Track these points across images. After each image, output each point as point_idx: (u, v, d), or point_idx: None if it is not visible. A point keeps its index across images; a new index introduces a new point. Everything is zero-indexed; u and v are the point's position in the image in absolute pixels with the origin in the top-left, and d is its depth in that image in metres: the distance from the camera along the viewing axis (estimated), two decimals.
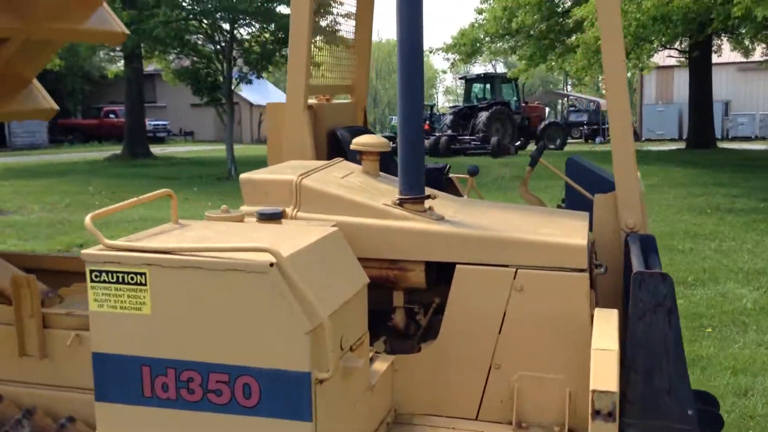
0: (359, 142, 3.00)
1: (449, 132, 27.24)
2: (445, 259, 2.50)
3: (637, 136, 39.74)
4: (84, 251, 1.99)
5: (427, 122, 33.79)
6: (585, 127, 40.09)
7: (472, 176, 3.78)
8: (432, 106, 43.58)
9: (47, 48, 4.11)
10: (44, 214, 12.79)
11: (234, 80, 18.82)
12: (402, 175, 2.59)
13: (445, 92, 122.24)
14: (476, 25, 26.51)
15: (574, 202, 3.34)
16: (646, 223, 2.81)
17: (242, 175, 2.76)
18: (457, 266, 2.47)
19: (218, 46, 18.62)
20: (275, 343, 1.86)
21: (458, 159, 23.98)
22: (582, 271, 2.35)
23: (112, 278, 1.95)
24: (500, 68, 63.58)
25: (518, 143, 27.75)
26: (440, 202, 2.68)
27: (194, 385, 1.93)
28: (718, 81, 28.71)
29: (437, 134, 26.84)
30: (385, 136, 28.41)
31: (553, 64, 27.54)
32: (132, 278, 1.94)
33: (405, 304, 2.67)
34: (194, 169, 21.51)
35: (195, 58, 18.77)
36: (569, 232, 2.49)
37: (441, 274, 2.62)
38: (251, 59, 19.35)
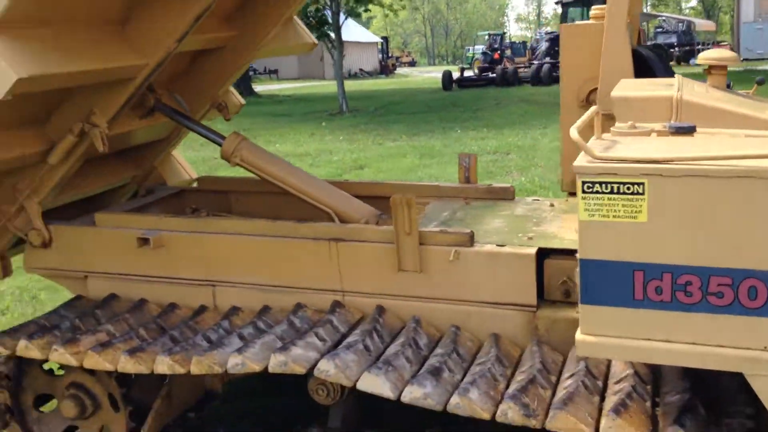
0: (708, 56, 3.01)
1: (548, 59, 26.65)
2: None
3: None
4: (576, 164, 2.09)
5: (498, 51, 33.13)
6: (676, 48, 38.59)
7: (760, 85, 3.73)
8: (502, 35, 42.66)
9: None
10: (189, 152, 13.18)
11: (342, 15, 18.79)
12: None
13: (516, 20, 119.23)
14: None
15: None
16: None
17: (614, 94, 2.81)
18: None
19: None
20: None
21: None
22: None
23: (606, 189, 2.06)
24: None
25: None
26: None
27: (692, 288, 2.04)
28: None
29: (536, 62, 26.34)
30: (461, 68, 27.71)
31: None
32: (628, 188, 2.04)
33: None
34: (302, 105, 21.83)
35: None
36: None
37: None
38: None
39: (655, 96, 2.75)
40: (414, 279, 2.98)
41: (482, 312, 2.93)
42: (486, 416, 2.40)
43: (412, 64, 72.46)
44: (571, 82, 3.66)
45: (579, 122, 2.23)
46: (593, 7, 3.75)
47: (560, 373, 2.68)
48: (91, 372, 3.27)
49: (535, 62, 26.36)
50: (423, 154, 11.94)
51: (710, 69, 3.02)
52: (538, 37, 56.79)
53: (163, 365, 2.77)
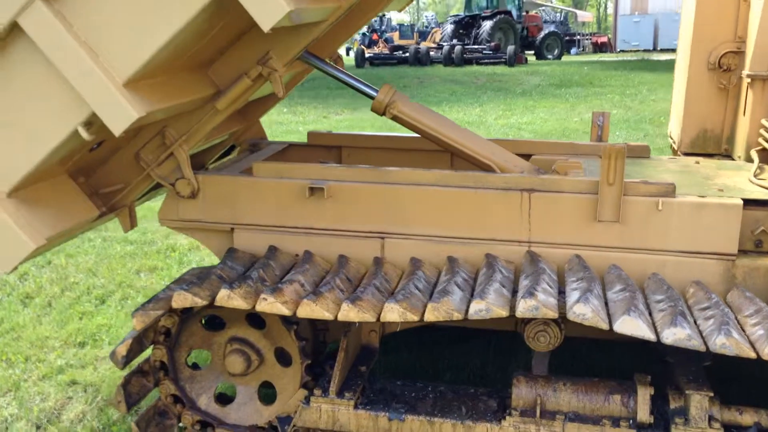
0: None
1: (455, 42, 27.13)
2: None
3: (611, 48, 40.17)
4: None
5: (376, 32, 33.36)
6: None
7: None
8: (382, 16, 42.93)
9: None
10: None
11: None
12: None
13: None
14: None
15: None
16: None
17: None
18: None
19: None
20: None
21: (472, 68, 24.08)
22: None
23: None
24: None
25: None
26: None
27: None
28: None
29: (446, 44, 26.74)
30: (347, 48, 27.62)
31: None
32: None
33: None
34: None
35: None
36: None
37: None
38: None
39: None
40: (610, 229, 3.01)
41: (679, 261, 3.01)
42: (752, 355, 2.49)
43: None
44: (702, 46, 3.79)
45: None
46: None
47: None
48: (258, 325, 3.11)
49: (445, 44, 26.72)
50: (379, 128, 11.89)
51: None
52: (425, 19, 57.34)
53: (393, 313, 2.67)
